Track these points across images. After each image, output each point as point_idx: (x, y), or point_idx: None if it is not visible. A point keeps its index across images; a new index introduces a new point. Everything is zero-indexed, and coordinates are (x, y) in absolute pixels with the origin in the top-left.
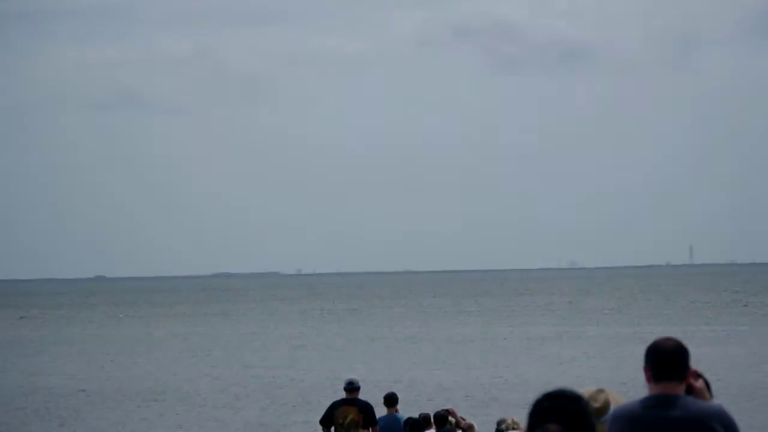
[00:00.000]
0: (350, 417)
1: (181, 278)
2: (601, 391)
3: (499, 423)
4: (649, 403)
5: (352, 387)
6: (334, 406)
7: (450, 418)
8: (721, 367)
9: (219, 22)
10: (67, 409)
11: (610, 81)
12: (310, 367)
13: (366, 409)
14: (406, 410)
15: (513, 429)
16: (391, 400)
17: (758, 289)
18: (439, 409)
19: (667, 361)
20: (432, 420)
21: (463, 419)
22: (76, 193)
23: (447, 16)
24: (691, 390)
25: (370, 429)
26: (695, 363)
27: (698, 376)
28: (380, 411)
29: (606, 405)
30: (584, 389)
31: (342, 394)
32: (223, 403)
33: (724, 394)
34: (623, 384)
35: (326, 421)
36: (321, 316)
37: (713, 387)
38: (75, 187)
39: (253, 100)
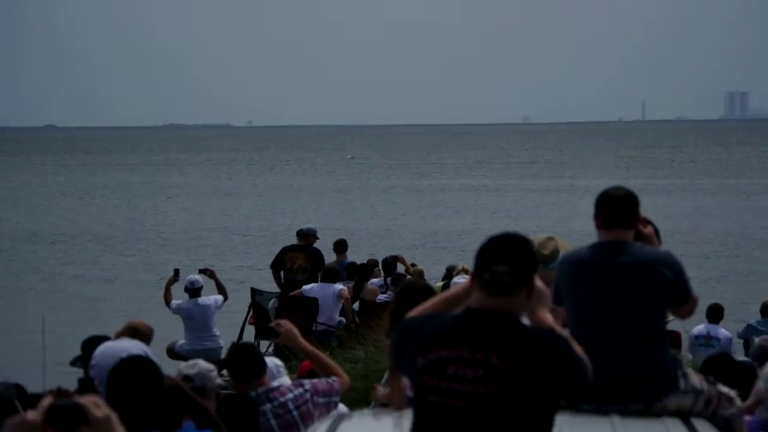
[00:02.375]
0: (298, 262)
1: (132, 128)
2: (550, 238)
3: (449, 269)
4: (597, 249)
5: (303, 234)
6: (284, 251)
7: (399, 264)
8: (669, 216)
9: None
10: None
11: None
12: (261, 214)
13: (314, 255)
14: (354, 257)
15: (464, 275)
16: (340, 246)
17: (710, 143)
18: (387, 255)
19: (616, 207)
20: (380, 266)
21: (413, 265)
22: (24, 38)
23: None
24: (640, 236)
25: (319, 275)
26: (645, 212)
27: (647, 222)
28: (330, 258)
29: (555, 252)
30: (533, 237)
31: (295, 240)
32: (170, 246)
33: (672, 242)
34: (570, 235)
35: (276, 265)
36: (269, 167)
37: (662, 234)
38: (24, 33)
39: None
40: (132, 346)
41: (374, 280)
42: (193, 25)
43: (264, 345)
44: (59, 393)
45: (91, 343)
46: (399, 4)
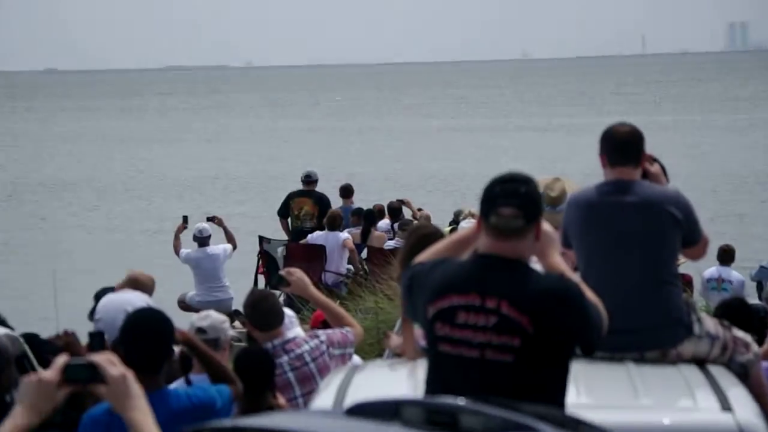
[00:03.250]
0: (305, 208)
1: (132, 71)
2: (557, 179)
3: (456, 214)
4: (604, 189)
5: (309, 179)
6: (290, 197)
7: (405, 208)
8: (676, 154)
9: None
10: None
11: None
12: (264, 159)
13: (321, 200)
14: (361, 202)
15: (471, 219)
16: (346, 191)
17: (711, 78)
18: (393, 200)
19: (622, 145)
20: (386, 210)
21: (419, 210)
22: None
23: None
24: (646, 175)
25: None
26: (651, 151)
27: (654, 160)
28: (336, 203)
29: (563, 194)
30: (540, 178)
31: (299, 186)
32: (173, 193)
33: (680, 180)
34: (578, 174)
35: (283, 211)
36: (273, 109)
37: (669, 172)
38: None
39: None
40: (136, 298)
41: (381, 224)
42: None
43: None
44: (68, 336)
45: (103, 296)
46: None
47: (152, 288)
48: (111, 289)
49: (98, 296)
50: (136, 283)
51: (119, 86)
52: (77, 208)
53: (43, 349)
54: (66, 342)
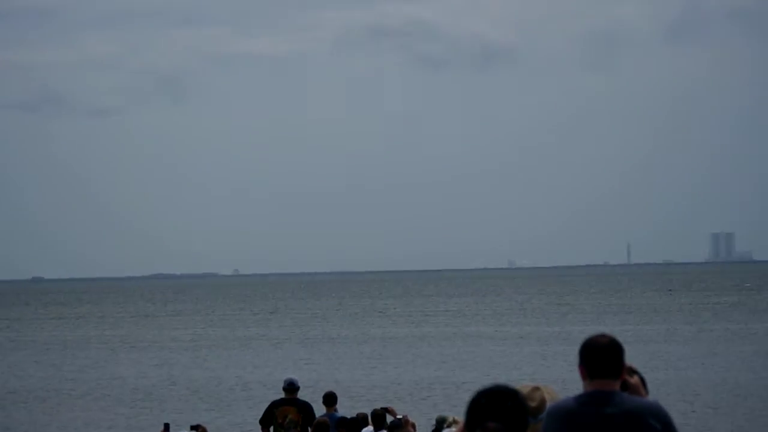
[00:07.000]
0: (289, 417)
1: (119, 279)
2: (536, 389)
3: (439, 421)
4: (584, 400)
5: (291, 387)
6: (274, 406)
7: (388, 416)
8: (656, 366)
9: (146, 23)
10: None
11: (535, 82)
12: (246, 368)
13: (305, 408)
14: (344, 410)
15: (453, 427)
16: (329, 399)
17: (694, 288)
18: (377, 407)
19: (601, 357)
20: (369, 419)
21: (403, 417)
22: (5, 194)
23: (364, 17)
24: (626, 386)
25: (309, 429)
26: (630, 360)
27: (633, 372)
28: (319, 410)
29: (542, 403)
30: (520, 386)
31: (281, 394)
32: (156, 403)
33: (661, 392)
34: (557, 383)
35: (266, 420)
36: (258, 317)
37: (649, 384)
38: (3, 188)
39: (181, 100)
40: None
41: None
42: (172, 176)
43: None
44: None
45: None
46: (382, 149)
47: None
48: None
49: None
50: None
51: (104, 294)
52: (50, 418)
53: None
54: None
